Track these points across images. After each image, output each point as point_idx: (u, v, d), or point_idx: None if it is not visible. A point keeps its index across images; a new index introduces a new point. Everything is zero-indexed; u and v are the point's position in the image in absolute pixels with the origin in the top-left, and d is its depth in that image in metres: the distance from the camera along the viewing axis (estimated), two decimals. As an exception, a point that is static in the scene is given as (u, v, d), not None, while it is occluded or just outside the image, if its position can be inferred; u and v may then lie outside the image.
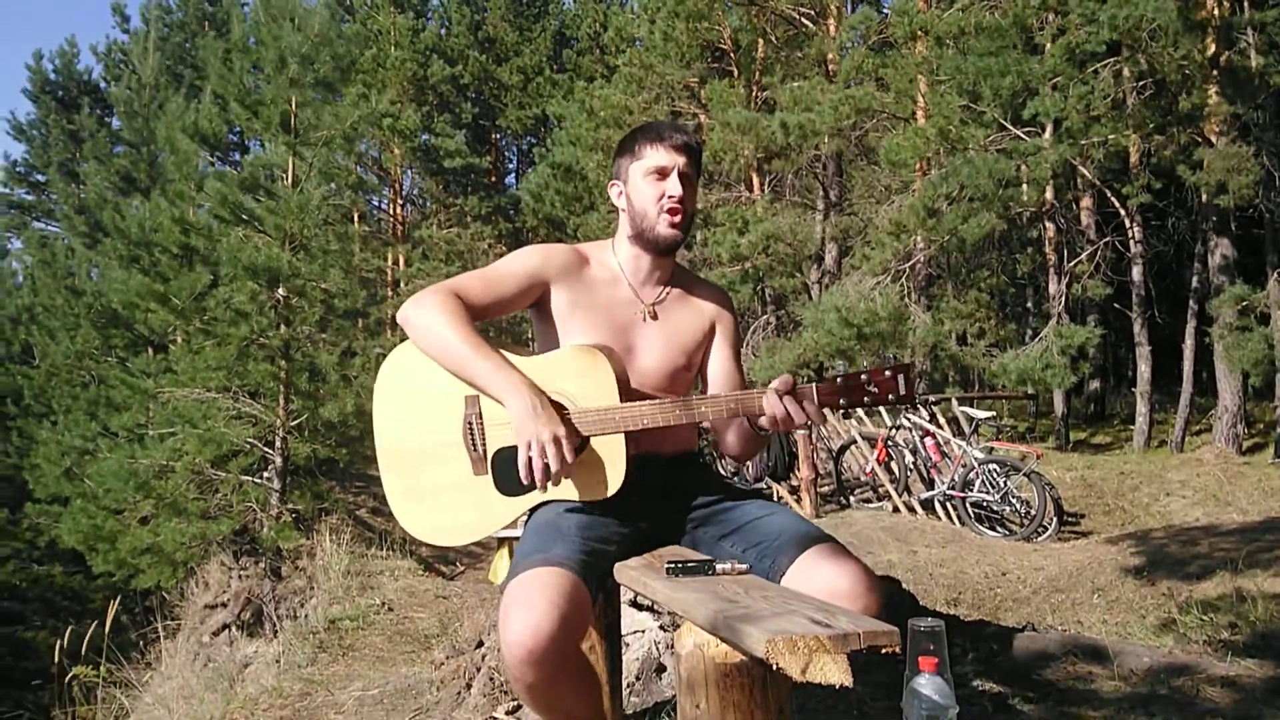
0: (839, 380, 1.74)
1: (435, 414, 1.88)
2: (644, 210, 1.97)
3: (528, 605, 1.52)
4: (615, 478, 1.79)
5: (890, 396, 1.73)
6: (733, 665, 1.30)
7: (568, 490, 1.82)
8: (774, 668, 1.13)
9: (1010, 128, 12.10)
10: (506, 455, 1.83)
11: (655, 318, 2.01)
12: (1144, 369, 13.77)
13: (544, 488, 1.75)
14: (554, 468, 1.69)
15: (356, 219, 20.94)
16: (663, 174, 1.96)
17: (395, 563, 7.16)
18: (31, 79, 21.59)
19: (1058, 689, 2.56)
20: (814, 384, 1.76)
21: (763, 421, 1.78)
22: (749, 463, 9.31)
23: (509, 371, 1.77)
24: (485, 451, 1.84)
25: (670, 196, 1.94)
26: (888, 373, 1.72)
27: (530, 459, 1.70)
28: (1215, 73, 10.75)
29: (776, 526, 1.81)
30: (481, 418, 1.85)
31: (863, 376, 1.73)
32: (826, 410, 1.78)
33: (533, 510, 1.87)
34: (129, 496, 8.17)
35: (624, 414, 1.77)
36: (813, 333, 11.21)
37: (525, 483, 1.75)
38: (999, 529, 7.87)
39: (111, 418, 9.96)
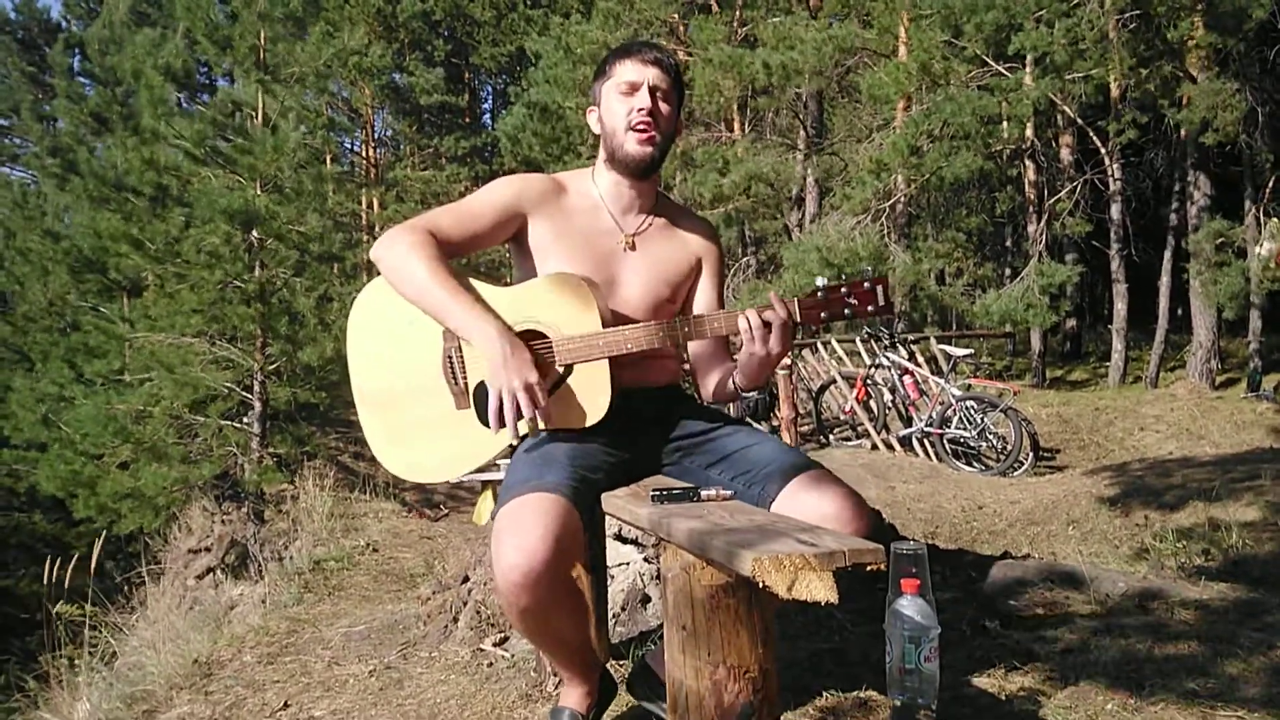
0: (818, 294, 1.73)
1: (413, 350, 1.85)
2: (613, 129, 1.92)
3: (521, 531, 1.52)
4: (600, 406, 1.78)
5: (870, 308, 1.73)
6: (719, 586, 1.31)
7: (552, 420, 1.80)
8: (760, 586, 1.14)
9: (992, 63, 11.99)
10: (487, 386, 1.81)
11: (635, 248, 1.97)
12: (1120, 306, 13.88)
13: (516, 436, 1.73)
14: (526, 415, 1.68)
15: (329, 160, 20.59)
16: (633, 89, 1.90)
17: (379, 505, 7.17)
18: (-10, 19, 20.91)
19: (1036, 614, 2.61)
20: (795, 298, 1.75)
21: (741, 342, 1.75)
22: (731, 405, 9.37)
23: (482, 316, 1.73)
24: (466, 385, 1.82)
25: (638, 111, 1.88)
26: (865, 284, 1.72)
27: (500, 408, 1.69)
28: (1200, 5, 10.65)
29: (765, 455, 1.81)
30: (461, 351, 1.82)
31: (842, 289, 1.73)
32: (810, 325, 1.77)
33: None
34: (107, 441, 8.12)
35: (608, 339, 1.75)
36: (793, 273, 11.19)
37: (495, 432, 1.74)
38: (976, 464, 7.98)
39: (88, 364, 9.86)
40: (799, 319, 1.74)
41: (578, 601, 1.73)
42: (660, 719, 1.92)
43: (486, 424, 1.82)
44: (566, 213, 1.95)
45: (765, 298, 1.77)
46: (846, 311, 1.72)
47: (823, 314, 1.73)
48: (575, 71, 15.40)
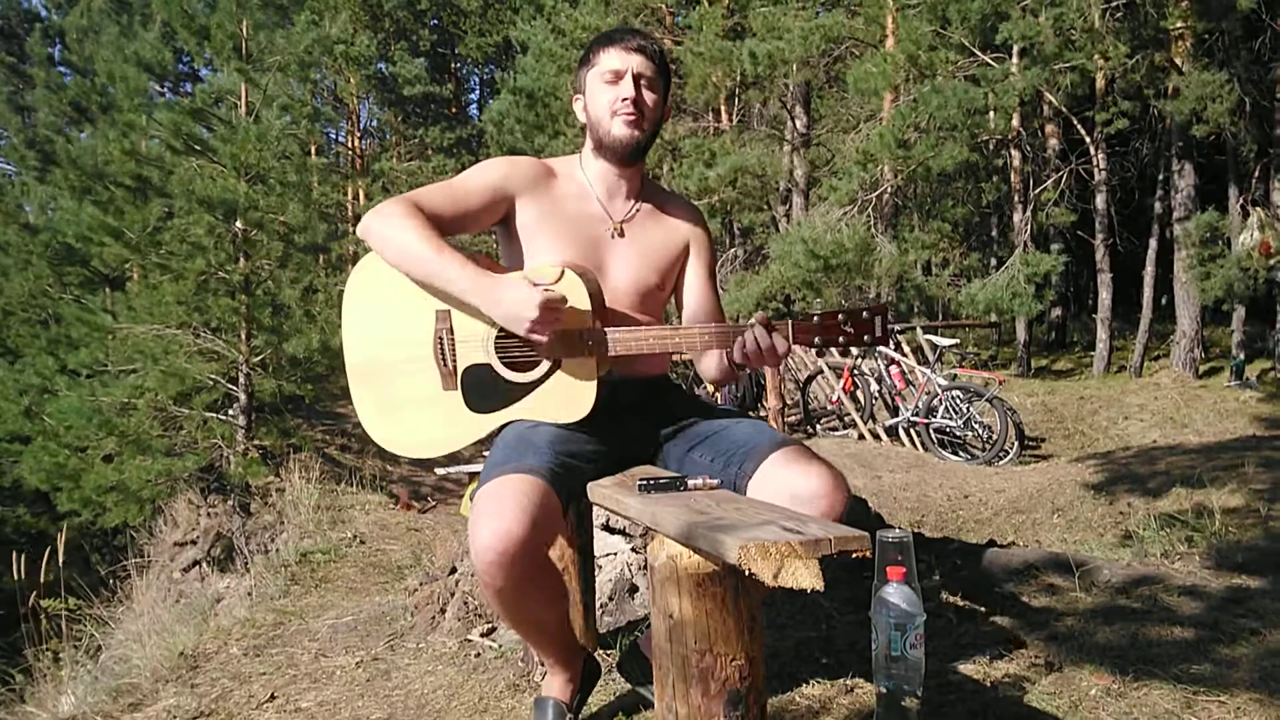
0: (815, 319, 1.73)
1: (404, 327, 1.85)
2: (599, 117, 1.92)
3: (498, 511, 1.51)
4: (585, 400, 1.78)
5: (866, 338, 1.73)
6: (705, 575, 1.30)
7: (538, 412, 1.80)
8: (747, 574, 1.14)
9: (978, 54, 11.98)
10: (476, 372, 1.81)
11: (623, 235, 1.97)
12: (1105, 296, 13.94)
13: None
14: (554, 328, 1.70)
15: (313, 151, 20.47)
16: (617, 77, 1.89)
17: (366, 497, 7.15)
18: (-34, 9, 20.64)
19: (1021, 601, 2.63)
20: (790, 321, 1.74)
21: (735, 356, 1.75)
22: (718, 394, 9.38)
23: (474, 272, 1.72)
24: (455, 367, 1.82)
25: (623, 99, 1.88)
26: (865, 314, 1.72)
27: (535, 339, 1.71)
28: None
29: (743, 434, 1.81)
30: (452, 333, 1.82)
31: (839, 316, 1.72)
32: (801, 347, 1.77)
33: (502, 426, 1.85)
34: (91, 434, 8.05)
35: (598, 339, 1.75)
36: (780, 265, 11.17)
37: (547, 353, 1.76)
38: (962, 454, 8.02)
39: (70, 355, 9.77)
40: (792, 342, 1.74)
41: (555, 584, 1.72)
42: (650, 703, 1.93)
43: (473, 407, 1.82)
44: (555, 198, 1.94)
45: (759, 314, 1.77)
46: (841, 340, 1.73)
47: (817, 339, 1.74)
48: (566, 55, 15.28)
